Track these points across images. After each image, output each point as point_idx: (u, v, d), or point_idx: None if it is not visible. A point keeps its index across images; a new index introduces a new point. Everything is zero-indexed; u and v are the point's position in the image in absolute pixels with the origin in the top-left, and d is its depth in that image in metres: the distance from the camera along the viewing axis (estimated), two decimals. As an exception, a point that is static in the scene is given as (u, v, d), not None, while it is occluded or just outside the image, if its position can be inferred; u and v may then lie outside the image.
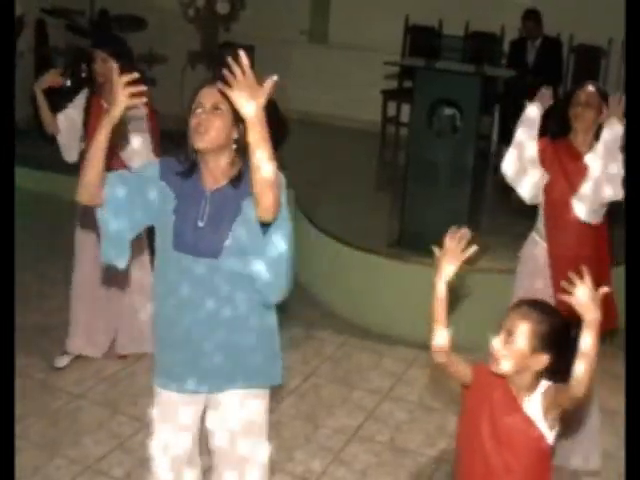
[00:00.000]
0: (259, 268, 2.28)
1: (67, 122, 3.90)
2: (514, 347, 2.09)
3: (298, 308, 4.94)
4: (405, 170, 4.83)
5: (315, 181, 5.97)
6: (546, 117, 3.41)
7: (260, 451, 2.54)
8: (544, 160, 3.33)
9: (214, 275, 2.29)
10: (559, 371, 2.09)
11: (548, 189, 3.34)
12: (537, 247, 3.44)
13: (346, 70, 7.95)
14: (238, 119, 2.20)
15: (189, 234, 2.28)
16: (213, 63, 7.29)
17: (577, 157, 3.26)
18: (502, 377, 2.14)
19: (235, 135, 2.28)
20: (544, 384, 2.13)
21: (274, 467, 3.43)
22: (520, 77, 5.93)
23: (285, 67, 8.13)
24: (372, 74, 7.43)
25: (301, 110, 7.76)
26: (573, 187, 3.26)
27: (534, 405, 2.12)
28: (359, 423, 3.80)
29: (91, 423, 3.66)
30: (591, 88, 3.27)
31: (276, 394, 3.97)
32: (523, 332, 2.08)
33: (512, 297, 3.44)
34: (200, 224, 2.28)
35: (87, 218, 3.83)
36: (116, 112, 2.19)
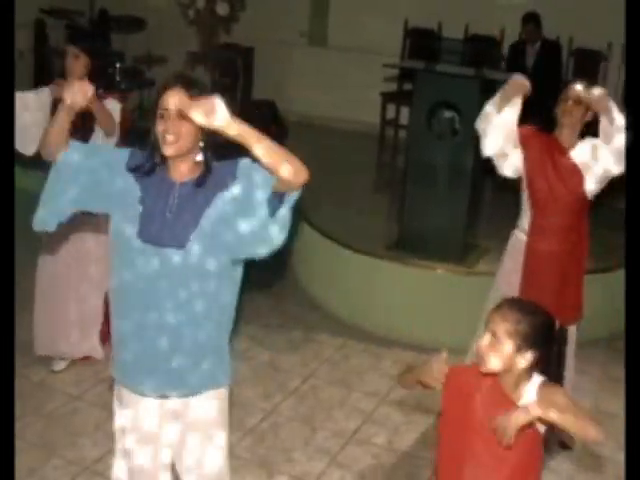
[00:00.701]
0: (244, 228, 2.20)
1: (19, 102, 3.57)
2: (499, 348, 2.13)
3: (297, 310, 4.94)
4: (404, 172, 4.83)
5: (314, 183, 5.93)
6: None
7: (218, 436, 2.45)
8: (529, 148, 3.36)
9: (176, 268, 2.24)
10: (548, 365, 2.18)
11: (536, 182, 3.36)
12: (519, 243, 3.47)
13: (345, 72, 7.95)
14: None
15: (157, 225, 2.25)
16: (212, 64, 7.30)
17: (564, 152, 3.32)
18: (488, 376, 2.18)
19: (202, 137, 2.25)
20: (537, 379, 2.17)
21: (272, 469, 3.43)
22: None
23: (284, 69, 8.15)
24: (371, 76, 7.43)
25: (300, 112, 7.76)
26: (563, 180, 3.29)
27: (528, 398, 2.14)
28: (357, 425, 3.79)
29: (88, 424, 3.65)
30: (580, 86, 3.30)
31: (274, 396, 3.97)
32: (504, 333, 2.12)
33: (493, 291, 3.53)
34: (169, 215, 2.25)
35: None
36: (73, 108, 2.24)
